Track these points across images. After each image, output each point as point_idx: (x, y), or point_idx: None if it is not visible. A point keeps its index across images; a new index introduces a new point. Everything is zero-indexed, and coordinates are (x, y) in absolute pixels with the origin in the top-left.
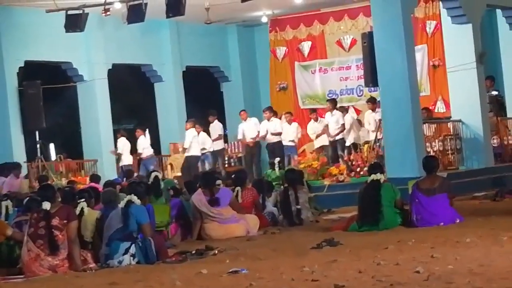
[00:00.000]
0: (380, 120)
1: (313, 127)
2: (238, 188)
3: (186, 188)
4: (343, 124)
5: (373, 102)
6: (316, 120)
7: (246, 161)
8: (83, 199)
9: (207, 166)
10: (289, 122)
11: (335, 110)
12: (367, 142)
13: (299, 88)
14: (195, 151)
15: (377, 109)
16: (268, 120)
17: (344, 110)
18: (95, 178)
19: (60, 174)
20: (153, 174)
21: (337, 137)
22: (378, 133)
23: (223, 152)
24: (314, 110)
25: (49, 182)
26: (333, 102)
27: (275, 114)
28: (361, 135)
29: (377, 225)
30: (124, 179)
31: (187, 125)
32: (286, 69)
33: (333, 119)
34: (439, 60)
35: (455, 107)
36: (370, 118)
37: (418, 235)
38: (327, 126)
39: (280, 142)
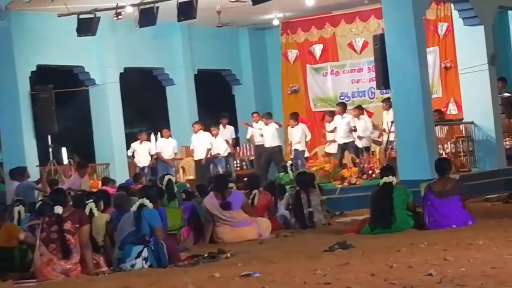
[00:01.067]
0: (392, 122)
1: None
2: (256, 191)
3: (198, 192)
4: (354, 127)
5: (387, 102)
6: (329, 122)
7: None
8: (91, 200)
9: (220, 170)
10: (292, 126)
11: (345, 113)
12: (379, 143)
13: (311, 91)
14: (203, 154)
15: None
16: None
17: (361, 111)
18: (107, 181)
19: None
20: (166, 177)
21: (348, 140)
22: (391, 135)
23: (234, 156)
24: (331, 112)
25: (60, 186)
26: (343, 105)
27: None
28: (373, 136)
29: (390, 228)
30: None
31: (196, 127)
32: (297, 72)
33: (343, 122)
34: (451, 62)
35: (467, 109)
36: (386, 118)
37: (431, 237)
38: (335, 129)
39: (277, 146)
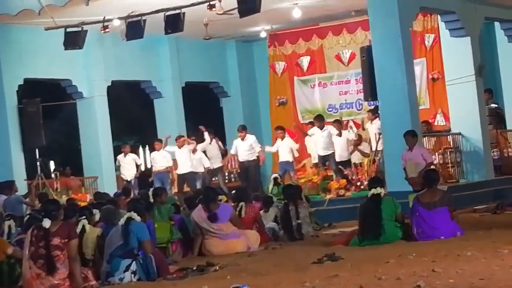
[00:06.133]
0: (380, 133)
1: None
2: (242, 203)
3: (186, 204)
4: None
5: (373, 113)
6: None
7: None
8: (84, 217)
9: (198, 185)
10: (282, 138)
11: (325, 126)
12: (367, 155)
13: (299, 103)
14: (187, 169)
15: (374, 120)
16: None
17: (343, 125)
18: (99, 196)
19: (60, 192)
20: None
21: (329, 152)
22: (378, 146)
23: (223, 169)
24: (311, 123)
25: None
26: (320, 118)
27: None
28: (361, 148)
29: (378, 239)
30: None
31: (180, 142)
32: (285, 84)
33: (324, 134)
34: (438, 73)
35: (455, 120)
36: (371, 128)
37: (419, 249)
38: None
39: (253, 160)
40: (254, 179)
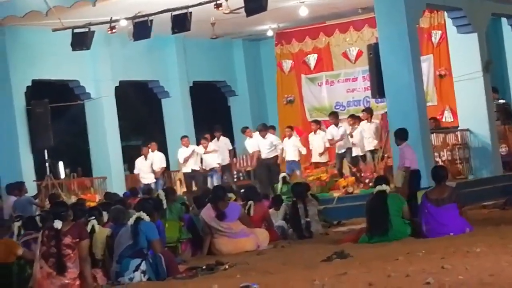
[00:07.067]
0: (388, 130)
1: (312, 140)
2: (251, 202)
3: (195, 204)
4: (351, 134)
5: (369, 112)
6: (315, 132)
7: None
8: (93, 217)
9: (215, 182)
10: (289, 137)
11: (340, 123)
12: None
13: (306, 101)
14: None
15: (372, 120)
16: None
17: (358, 119)
18: (110, 196)
19: (70, 192)
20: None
21: (342, 150)
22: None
23: (231, 167)
24: (317, 122)
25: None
26: (335, 115)
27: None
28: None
29: (387, 235)
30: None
31: (185, 141)
32: (292, 82)
33: (340, 131)
34: (445, 70)
35: (463, 116)
36: (366, 128)
37: (428, 245)
38: (333, 139)
39: (274, 157)
40: (276, 176)
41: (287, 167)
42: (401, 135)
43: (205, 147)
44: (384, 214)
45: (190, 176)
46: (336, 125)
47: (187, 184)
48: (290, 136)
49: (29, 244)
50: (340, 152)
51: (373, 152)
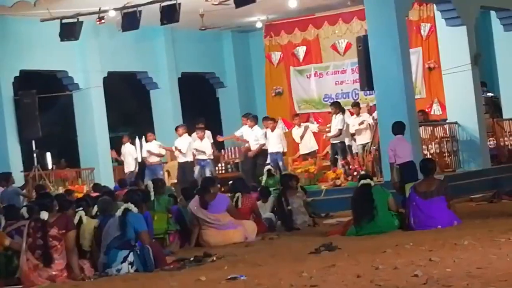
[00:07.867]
0: (376, 122)
1: (297, 133)
2: (239, 194)
3: (183, 195)
4: (340, 129)
5: (357, 107)
6: (299, 125)
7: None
8: (81, 208)
9: (208, 173)
10: (272, 129)
11: (339, 114)
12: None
13: (295, 93)
14: (189, 157)
15: (360, 113)
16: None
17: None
18: (98, 187)
19: (57, 182)
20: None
21: (335, 141)
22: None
23: (219, 159)
24: (297, 115)
25: (46, 191)
26: (336, 104)
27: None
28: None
29: (374, 223)
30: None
31: (180, 130)
32: (281, 74)
33: (334, 123)
34: (434, 63)
35: (451, 109)
36: (352, 122)
37: (416, 238)
38: (329, 128)
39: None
40: (262, 167)
41: (270, 159)
42: (397, 129)
43: (200, 138)
44: (369, 203)
45: (182, 166)
46: (357, 114)
47: (179, 174)
48: (273, 129)
49: (12, 235)
50: (335, 142)
51: (364, 146)
